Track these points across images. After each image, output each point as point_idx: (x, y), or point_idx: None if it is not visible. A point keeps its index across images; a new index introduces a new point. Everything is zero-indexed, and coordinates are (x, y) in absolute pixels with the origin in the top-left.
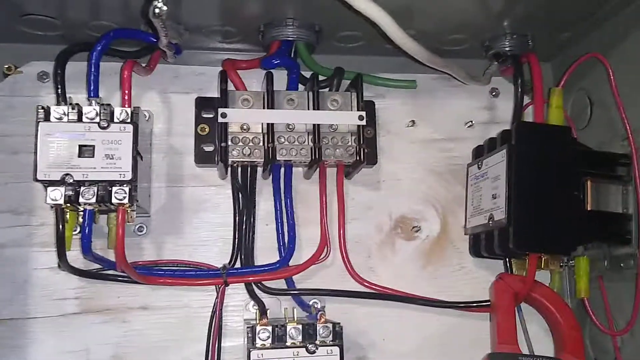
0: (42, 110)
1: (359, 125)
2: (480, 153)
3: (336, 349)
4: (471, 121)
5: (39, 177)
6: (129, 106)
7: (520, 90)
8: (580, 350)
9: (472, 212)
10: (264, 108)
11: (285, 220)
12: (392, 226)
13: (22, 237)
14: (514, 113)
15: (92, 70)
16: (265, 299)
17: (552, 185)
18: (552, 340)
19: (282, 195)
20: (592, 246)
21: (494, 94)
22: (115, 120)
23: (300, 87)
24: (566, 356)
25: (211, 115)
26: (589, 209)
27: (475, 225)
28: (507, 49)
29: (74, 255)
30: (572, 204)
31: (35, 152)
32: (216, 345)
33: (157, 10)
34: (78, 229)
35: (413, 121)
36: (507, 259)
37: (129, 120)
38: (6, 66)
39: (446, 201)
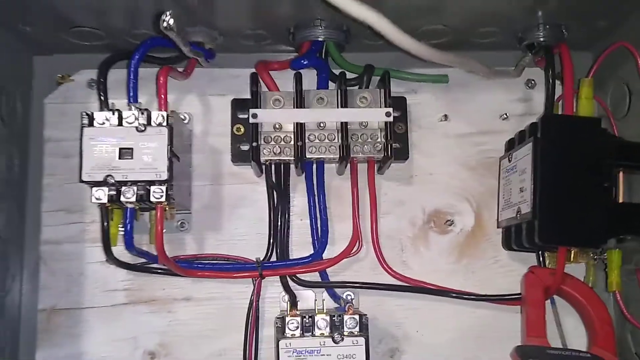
0: (87, 117)
1: (387, 122)
2: (512, 146)
3: (362, 340)
4: (505, 114)
5: (83, 179)
6: (165, 110)
7: (551, 81)
8: (612, 344)
9: (503, 206)
10: (294, 107)
11: (318, 215)
12: (425, 220)
13: (75, 233)
14: (546, 105)
15: (131, 77)
16: (301, 291)
17: (581, 177)
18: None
19: (315, 191)
20: (629, 239)
21: (529, 85)
22: (152, 124)
23: (333, 85)
24: (597, 350)
25: (246, 116)
26: (620, 201)
27: (506, 218)
28: (540, 39)
29: (122, 250)
30: (602, 196)
31: (81, 156)
32: (254, 334)
33: (165, 25)
34: (123, 226)
35: (446, 115)
36: (540, 252)
37: (164, 124)
38: (59, 75)
39: (480, 195)
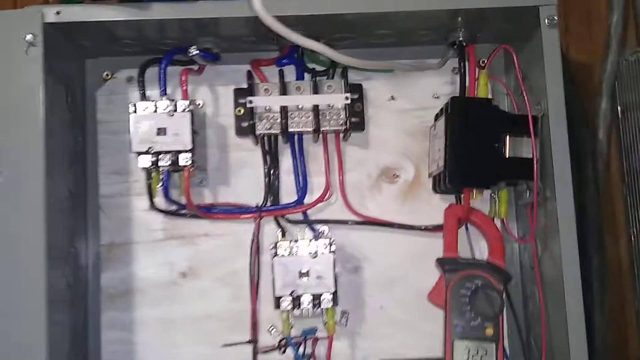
0: (133, 106)
1: (346, 104)
2: (437, 118)
3: (330, 257)
4: (437, 94)
5: (133, 150)
6: (187, 99)
7: (462, 71)
8: (501, 254)
9: (430, 161)
10: (279, 95)
11: (300, 172)
12: (378, 174)
13: (124, 190)
14: (460, 89)
15: (161, 77)
16: (288, 227)
17: (478, 140)
18: None
19: (297, 154)
20: (520, 183)
21: (454, 72)
22: (178, 110)
23: (308, 76)
24: (491, 259)
25: (245, 101)
26: (507, 156)
27: (433, 170)
28: (460, 39)
29: (159, 201)
30: (493, 153)
31: (129, 134)
32: (256, 259)
33: (191, 54)
34: (161, 183)
35: (392, 96)
36: (457, 193)
37: (187, 110)
38: (105, 73)
39: (418, 154)
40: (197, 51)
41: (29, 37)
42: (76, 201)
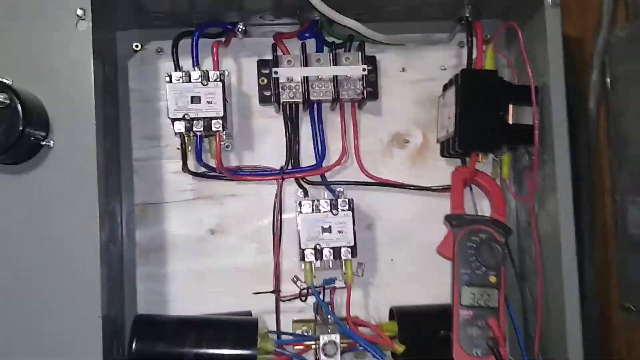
0: (168, 76)
1: (363, 74)
2: (446, 89)
3: (349, 213)
4: (444, 66)
5: (170, 116)
6: (217, 70)
7: (470, 45)
8: (503, 211)
9: (439, 128)
10: (301, 66)
11: (318, 138)
12: (390, 140)
13: (156, 154)
14: (467, 61)
15: (194, 49)
16: (308, 188)
17: (484, 108)
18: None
19: (316, 122)
20: (520, 147)
21: (460, 45)
22: (210, 79)
23: (327, 49)
24: (494, 215)
25: (267, 71)
26: (510, 123)
27: (442, 136)
28: (466, 15)
29: (191, 163)
30: (497, 120)
31: (166, 102)
32: (279, 217)
33: (239, 30)
34: (193, 147)
35: (404, 68)
36: (462, 158)
37: (218, 80)
38: (135, 44)
39: (426, 121)
40: (244, 27)
41: (79, 11)
42: (111, 164)
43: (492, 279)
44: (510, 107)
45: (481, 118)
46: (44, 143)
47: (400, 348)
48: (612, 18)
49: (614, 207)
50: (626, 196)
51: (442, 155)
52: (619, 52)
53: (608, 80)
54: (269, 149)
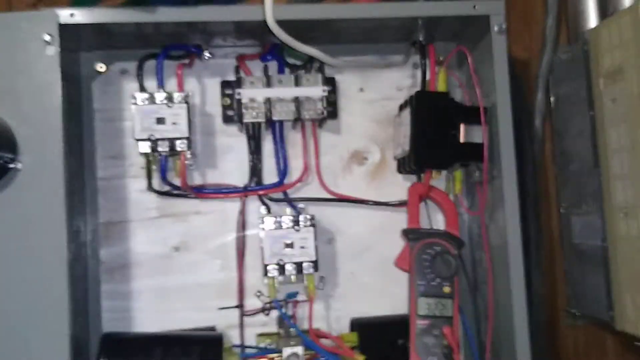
0: (133, 98)
1: (323, 95)
2: (402, 108)
3: (311, 229)
4: (400, 86)
5: (136, 137)
6: (182, 91)
7: (424, 68)
8: (456, 225)
9: (396, 146)
10: (263, 87)
11: (280, 156)
12: (349, 157)
13: (120, 172)
14: (422, 83)
15: (159, 70)
16: (271, 204)
17: (437, 128)
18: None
19: (278, 140)
20: (470, 164)
21: (415, 67)
22: (175, 101)
23: (288, 70)
24: (448, 228)
25: (230, 92)
26: (461, 141)
27: (398, 153)
28: (420, 39)
29: (155, 182)
30: (449, 139)
31: (132, 123)
32: (242, 234)
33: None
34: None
35: (362, 88)
36: (417, 174)
37: (183, 101)
38: (100, 65)
39: (384, 140)
40: (210, 55)
41: (47, 37)
42: (76, 183)
43: (447, 289)
44: (462, 126)
45: (435, 137)
46: (11, 166)
47: (360, 358)
48: (556, 40)
49: (560, 218)
50: (570, 208)
51: (399, 171)
52: (561, 72)
53: (552, 99)
54: (232, 167)
